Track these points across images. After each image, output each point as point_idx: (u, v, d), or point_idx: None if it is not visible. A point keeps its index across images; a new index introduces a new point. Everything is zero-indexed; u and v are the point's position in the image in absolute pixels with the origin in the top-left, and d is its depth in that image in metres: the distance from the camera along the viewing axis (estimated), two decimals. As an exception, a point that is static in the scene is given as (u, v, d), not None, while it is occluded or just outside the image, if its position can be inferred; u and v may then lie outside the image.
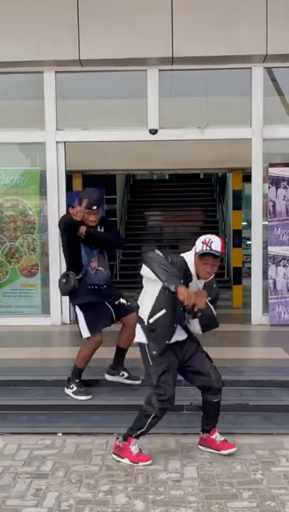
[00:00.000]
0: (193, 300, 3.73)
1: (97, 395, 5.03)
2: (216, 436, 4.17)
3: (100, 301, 4.88)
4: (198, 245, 3.84)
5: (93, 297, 4.83)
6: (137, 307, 4.13)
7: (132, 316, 4.84)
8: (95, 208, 4.74)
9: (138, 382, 4.97)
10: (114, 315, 4.96)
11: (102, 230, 4.94)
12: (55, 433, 4.56)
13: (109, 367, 5.11)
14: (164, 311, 3.87)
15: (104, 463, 4.05)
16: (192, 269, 3.92)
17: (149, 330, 3.94)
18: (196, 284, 3.95)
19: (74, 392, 4.95)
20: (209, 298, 3.89)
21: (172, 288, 3.72)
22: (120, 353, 5.04)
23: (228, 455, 4.11)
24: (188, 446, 4.28)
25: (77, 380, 4.98)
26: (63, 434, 4.55)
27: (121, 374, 5.06)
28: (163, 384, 3.90)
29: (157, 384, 3.91)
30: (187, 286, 3.84)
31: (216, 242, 3.83)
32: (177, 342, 3.99)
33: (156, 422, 3.99)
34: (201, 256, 3.85)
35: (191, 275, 3.92)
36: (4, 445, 4.38)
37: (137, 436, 4.05)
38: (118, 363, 5.07)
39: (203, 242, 3.82)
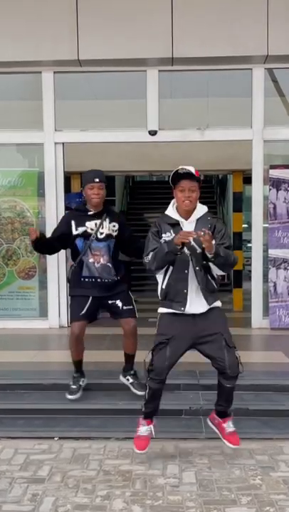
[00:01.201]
0: (183, 235, 3.75)
1: (95, 398, 4.98)
2: (228, 426, 4.06)
3: (84, 294, 4.84)
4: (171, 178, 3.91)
5: (81, 290, 4.85)
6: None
7: (126, 321, 4.82)
8: (97, 180, 4.85)
9: (140, 393, 4.80)
10: (99, 311, 4.92)
11: (116, 224, 4.93)
12: (52, 437, 4.51)
13: (122, 367, 5.06)
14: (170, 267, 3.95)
15: (101, 468, 4.00)
16: (175, 216, 3.98)
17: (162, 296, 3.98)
18: (189, 227, 3.93)
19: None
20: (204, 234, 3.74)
21: (174, 247, 3.78)
22: (126, 357, 4.99)
23: (226, 458, 4.07)
24: (186, 451, 4.23)
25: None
26: (60, 438, 4.50)
27: (126, 378, 4.99)
28: (154, 354, 3.86)
29: (151, 353, 3.88)
30: (176, 233, 3.87)
31: (188, 167, 3.94)
32: (194, 315, 3.88)
33: (154, 396, 3.92)
34: (177, 183, 3.96)
35: (177, 221, 3.97)
36: (1, 449, 4.34)
37: (145, 414, 4.01)
38: (126, 366, 5.01)
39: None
